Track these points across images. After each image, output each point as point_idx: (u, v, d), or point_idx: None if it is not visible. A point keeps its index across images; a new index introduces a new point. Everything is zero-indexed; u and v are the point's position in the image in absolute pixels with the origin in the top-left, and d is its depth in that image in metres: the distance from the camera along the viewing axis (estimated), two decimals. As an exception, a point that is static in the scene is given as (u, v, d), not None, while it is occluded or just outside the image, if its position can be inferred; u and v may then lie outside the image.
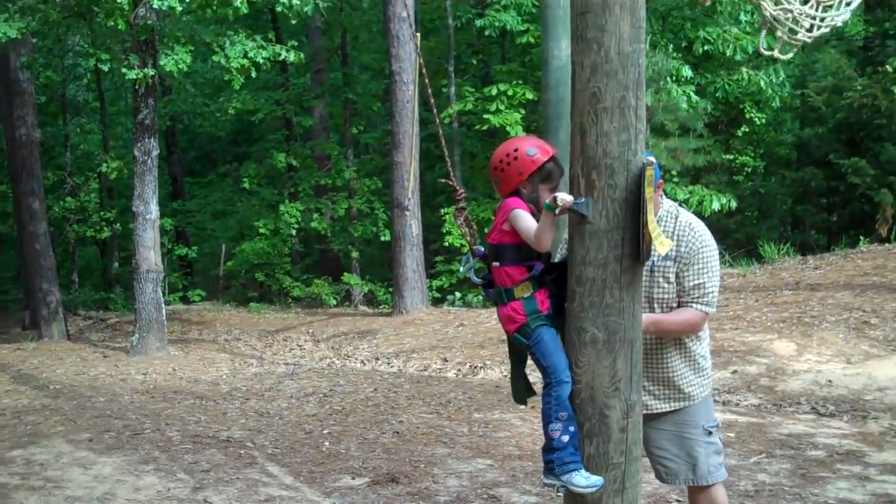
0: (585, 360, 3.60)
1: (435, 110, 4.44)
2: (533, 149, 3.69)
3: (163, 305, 12.74)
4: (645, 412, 3.88)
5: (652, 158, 3.53)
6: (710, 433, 4.12)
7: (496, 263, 3.66)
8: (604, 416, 3.59)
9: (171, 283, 21.84)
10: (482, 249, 3.83)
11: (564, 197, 3.37)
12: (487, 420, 7.75)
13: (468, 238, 3.91)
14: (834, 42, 17.89)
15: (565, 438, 3.43)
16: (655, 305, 4.03)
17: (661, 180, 3.95)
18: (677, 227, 4.10)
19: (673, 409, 4.13)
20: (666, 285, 4.02)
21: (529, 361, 3.72)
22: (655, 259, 3.97)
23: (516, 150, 3.65)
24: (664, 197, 4.14)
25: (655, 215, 3.58)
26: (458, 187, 3.88)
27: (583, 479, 3.36)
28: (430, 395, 8.98)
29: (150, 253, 12.43)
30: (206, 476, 6.27)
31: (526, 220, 3.57)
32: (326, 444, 7.15)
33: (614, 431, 3.59)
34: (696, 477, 4.14)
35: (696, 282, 4.01)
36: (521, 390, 3.83)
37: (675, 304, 4.02)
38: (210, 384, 10.26)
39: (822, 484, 5.89)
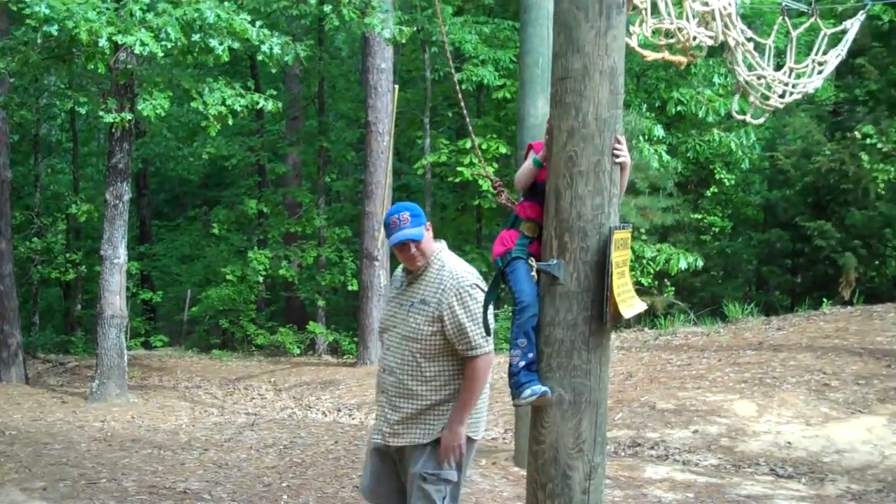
0: (550, 420, 3.62)
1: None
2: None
3: (125, 351, 12.58)
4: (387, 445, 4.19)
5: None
6: (424, 479, 4.14)
7: (521, 199, 3.97)
8: (567, 477, 3.60)
9: (134, 328, 21.57)
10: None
11: None
12: (451, 476, 7.68)
13: (509, 205, 4.24)
14: (804, 106, 18.21)
15: (522, 364, 3.63)
16: (405, 344, 4.16)
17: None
18: (440, 274, 4.22)
19: (402, 445, 4.20)
20: (423, 327, 4.13)
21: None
22: (415, 301, 4.18)
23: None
24: (442, 249, 4.34)
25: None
26: (493, 178, 4.29)
27: (528, 392, 3.59)
28: (394, 449, 8.91)
29: (115, 298, 12.31)
30: (163, 527, 6.16)
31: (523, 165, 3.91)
32: (285, 497, 7.06)
33: (576, 493, 3.60)
34: None
35: (461, 329, 4.11)
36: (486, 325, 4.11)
37: (428, 344, 4.12)
38: (169, 433, 10.12)
39: (783, 549, 5.89)
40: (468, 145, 17.34)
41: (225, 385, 14.40)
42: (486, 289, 4.13)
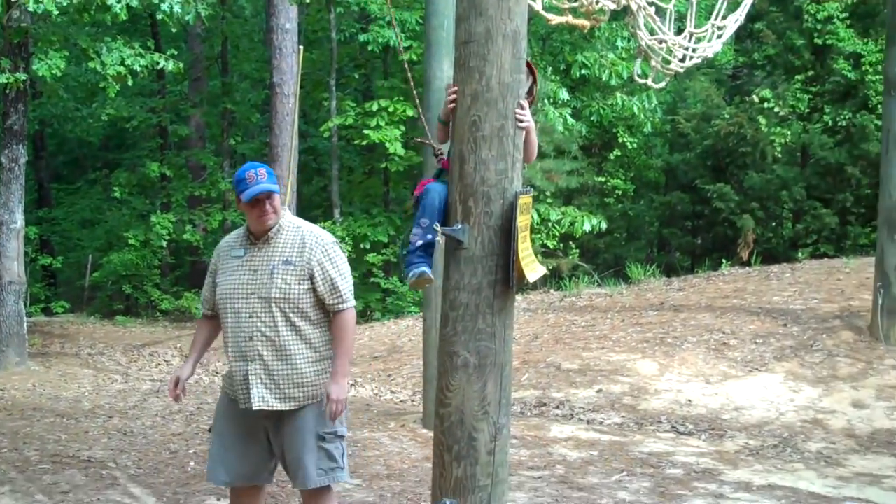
0: (456, 384, 3.66)
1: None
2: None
3: (24, 318, 12.24)
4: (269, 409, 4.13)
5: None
6: (322, 438, 4.18)
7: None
8: (472, 439, 3.65)
9: (34, 294, 20.97)
10: None
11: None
12: (357, 439, 7.72)
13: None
14: (705, 70, 18.58)
15: (419, 243, 3.75)
16: (273, 306, 4.12)
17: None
18: (298, 233, 4.22)
19: (291, 408, 4.18)
20: (293, 286, 4.12)
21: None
22: (276, 262, 4.15)
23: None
24: (287, 213, 4.31)
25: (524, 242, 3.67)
26: (435, 145, 4.16)
27: (415, 272, 3.77)
28: (302, 413, 8.90)
29: (13, 264, 11.94)
30: (66, 498, 6.05)
31: None
32: (192, 464, 7.00)
33: (482, 454, 3.65)
34: (304, 481, 4.18)
35: (333, 284, 4.15)
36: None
37: (301, 302, 4.12)
38: (71, 401, 9.91)
39: (679, 501, 6.09)
40: (374, 108, 17.23)
41: (129, 352, 14.13)
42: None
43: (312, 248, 4.12)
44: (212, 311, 4.38)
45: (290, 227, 4.19)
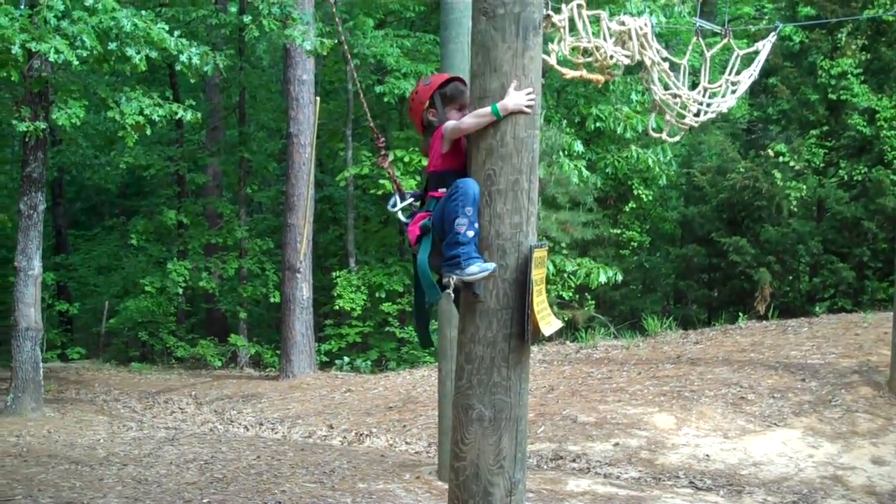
0: (472, 437, 3.64)
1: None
2: (428, 78, 3.91)
3: (40, 365, 12.28)
4: None
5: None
6: None
7: (442, 189, 3.77)
8: (488, 493, 3.62)
9: (50, 340, 21.06)
10: (409, 193, 4.08)
11: (518, 101, 3.58)
12: (372, 490, 7.67)
13: (395, 181, 4.17)
14: (719, 124, 18.65)
15: (470, 234, 3.56)
16: None
17: None
18: None
19: None
20: None
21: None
22: None
23: (415, 87, 3.98)
24: None
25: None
26: (379, 135, 4.07)
27: (477, 268, 3.53)
28: (315, 464, 8.86)
29: (30, 310, 12.02)
30: (77, 546, 6.02)
31: (454, 122, 3.76)
32: (206, 513, 6.96)
33: (498, 510, 3.62)
34: None
35: None
36: (425, 336, 4.08)
37: None
38: (86, 448, 9.90)
39: (698, 560, 6.01)
40: (390, 158, 17.34)
41: (144, 399, 14.14)
42: None
43: None
44: None
45: None
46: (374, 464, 8.84)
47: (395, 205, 4.04)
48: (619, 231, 19.15)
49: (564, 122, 17.49)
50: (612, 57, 4.90)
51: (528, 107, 3.61)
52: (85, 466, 8.74)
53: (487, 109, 3.61)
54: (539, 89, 3.69)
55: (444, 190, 3.75)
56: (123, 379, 16.59)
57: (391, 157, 4.11)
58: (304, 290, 15.68)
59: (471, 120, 3.66)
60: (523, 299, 3.57)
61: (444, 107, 3.88)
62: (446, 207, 3.63)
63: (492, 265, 3.53)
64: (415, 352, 17.39)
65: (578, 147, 16.57)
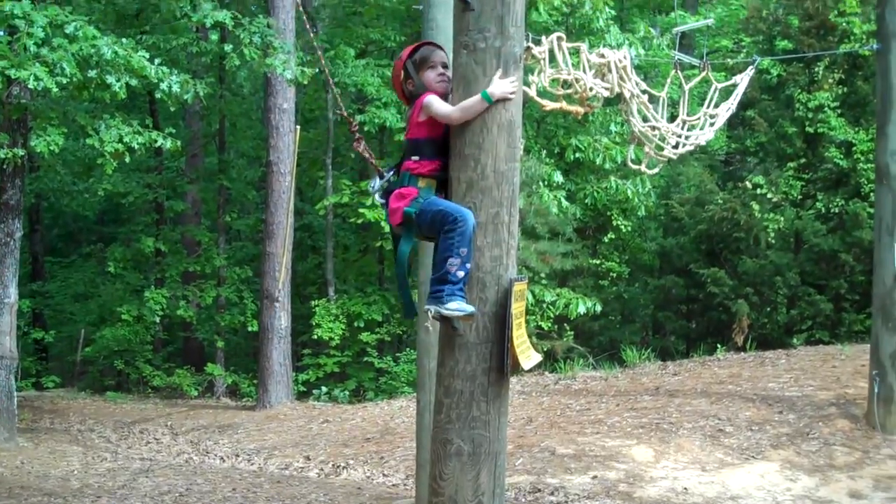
0: (450, 472, 3.61)
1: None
2: (402, 51, 4.02)
3: (14, 394, 12.14)
4: None
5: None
6: None
7: (416, 157, 3.86)
8: (466, 530, 3.58)
9: (24, 368, 20.83)
10: (386, 169, 4.16)
11: (504, 88, 3.65)
12: (349, 523, 7.59)
13: (371, 161, 4.31)
14: (698, 156, 18.73)
15: (461, 274, 3.57)
16: None
17: None
18: None
19: None
20: None
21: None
22: None
23: (393, 63, 4.10)
24: None
25: None
26: (351, 119, 4.09)
27: (456, 305, 3.54)
28: (290, 497, 8.76)
29: (5, 338, 11.89)
30: (48, 581, 5.92)
31: (440, 104, 3.77)
32: (179, 546, 6.86)
33: (476, 547, 3.58)
34: None
35: None
36: (408, 303, 4.05)
37: None
38: (60, 479, 9.76)
39: None
40: (370, 187, 17.32)
41: (119, 428, 13.98)
42: None
43: None
44: None
45: None
46: (351, 496, 8.76)
47: (375, 187, 4.12)
48: (598, 261, 19.15)
49: (544, 152, 17.54)
50: (591, 89, 4.90)
51: (511, 93, 3.67)
52: (58, 498, 8.62)
53: (477, 97, 3.64)
54: (519, 122, 3.69)
55: (416, 158, 3.85)
56: (98, 408, 16.41)
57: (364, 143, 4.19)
58: (282, 318, 15.60)
59: (458, 113, 3.69)
60: (503, 333, 3.55)
61: (417, 73, 3.96)
62: (441, 241, 3.63)
63: (471, 308, 3.54)
64: (393, 382, 17.29)
65: (558, 177, 16.59)
